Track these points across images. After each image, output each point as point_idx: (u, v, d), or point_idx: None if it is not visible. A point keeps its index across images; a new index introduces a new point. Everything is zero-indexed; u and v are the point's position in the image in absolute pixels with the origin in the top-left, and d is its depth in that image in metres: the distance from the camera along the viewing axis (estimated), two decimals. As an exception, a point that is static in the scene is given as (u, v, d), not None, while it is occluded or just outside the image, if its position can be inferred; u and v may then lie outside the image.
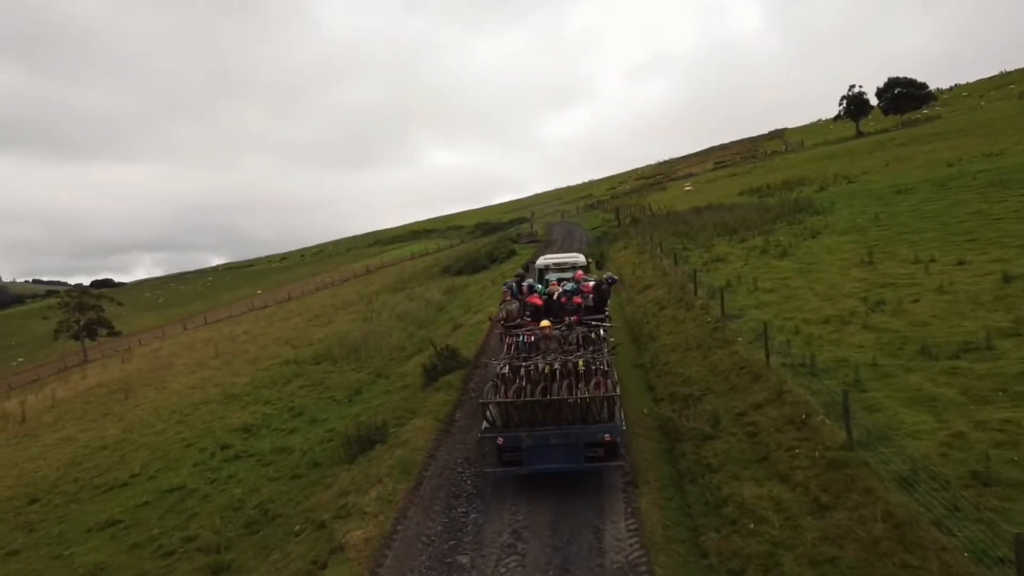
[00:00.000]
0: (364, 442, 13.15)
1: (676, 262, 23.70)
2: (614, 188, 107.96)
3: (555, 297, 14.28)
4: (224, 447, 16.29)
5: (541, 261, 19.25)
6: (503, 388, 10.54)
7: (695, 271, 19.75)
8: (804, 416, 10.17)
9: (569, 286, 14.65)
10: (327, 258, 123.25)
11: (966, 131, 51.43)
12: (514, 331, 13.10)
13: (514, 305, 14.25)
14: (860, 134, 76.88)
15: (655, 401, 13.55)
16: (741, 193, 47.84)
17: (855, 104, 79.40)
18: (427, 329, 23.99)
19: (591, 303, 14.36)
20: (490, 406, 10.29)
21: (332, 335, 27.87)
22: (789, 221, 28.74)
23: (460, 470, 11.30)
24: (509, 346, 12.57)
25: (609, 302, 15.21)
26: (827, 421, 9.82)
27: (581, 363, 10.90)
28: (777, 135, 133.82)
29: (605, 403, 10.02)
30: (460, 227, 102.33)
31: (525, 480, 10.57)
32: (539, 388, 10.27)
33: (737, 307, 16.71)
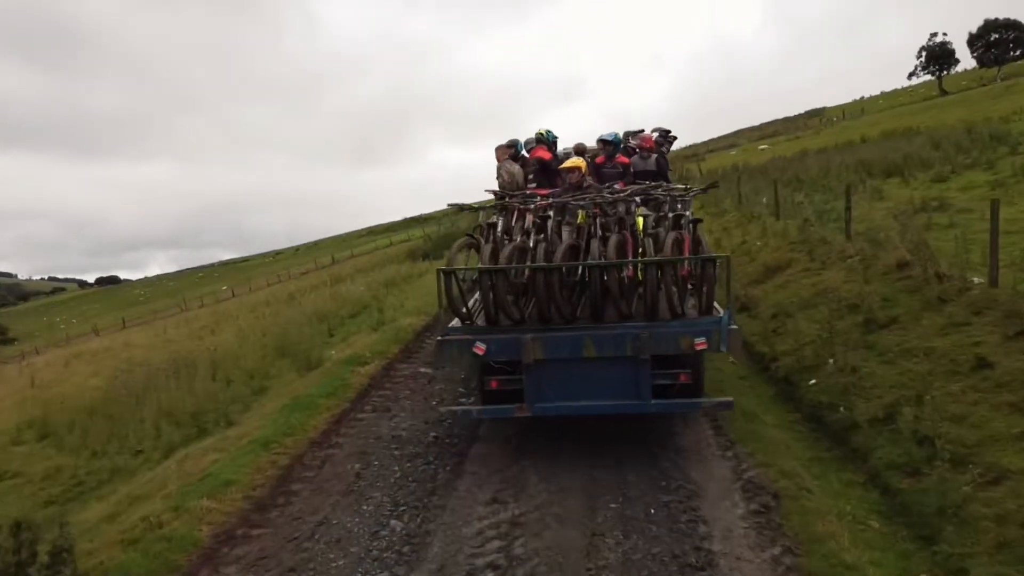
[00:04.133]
0: None
1: (848, 214, 10.18)
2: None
3: (587, 157, 8.08)
4: None
5: (563, 148, 10.89)
6: (490, 247, 5.30)
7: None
8: None
9: (609, 135, 8.25)
10: (316, 251, 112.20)
11: None
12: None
13: (516, 167, 8.33)
14: (944, 92, 62.35)
15: None
16: (824, 149, 35.33)
17: (936, 57, 64.62)
18: (258, 380, 10.94)
19: (653, 166, 8.21)
20: (456, 277, 5.16)
21: (147, 364, 14.91)
22: (1011, 150, 15.39)
23: None
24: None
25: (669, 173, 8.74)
26: None
27: (640, 217, 5.61)
28: (816, 113, 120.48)
29: (694, 276, 4.85)
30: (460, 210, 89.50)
31: None
32: (563, 250, 5.06)
33: None
